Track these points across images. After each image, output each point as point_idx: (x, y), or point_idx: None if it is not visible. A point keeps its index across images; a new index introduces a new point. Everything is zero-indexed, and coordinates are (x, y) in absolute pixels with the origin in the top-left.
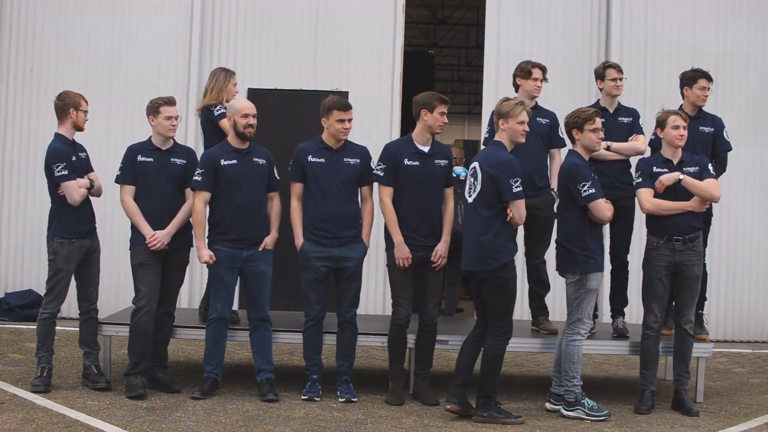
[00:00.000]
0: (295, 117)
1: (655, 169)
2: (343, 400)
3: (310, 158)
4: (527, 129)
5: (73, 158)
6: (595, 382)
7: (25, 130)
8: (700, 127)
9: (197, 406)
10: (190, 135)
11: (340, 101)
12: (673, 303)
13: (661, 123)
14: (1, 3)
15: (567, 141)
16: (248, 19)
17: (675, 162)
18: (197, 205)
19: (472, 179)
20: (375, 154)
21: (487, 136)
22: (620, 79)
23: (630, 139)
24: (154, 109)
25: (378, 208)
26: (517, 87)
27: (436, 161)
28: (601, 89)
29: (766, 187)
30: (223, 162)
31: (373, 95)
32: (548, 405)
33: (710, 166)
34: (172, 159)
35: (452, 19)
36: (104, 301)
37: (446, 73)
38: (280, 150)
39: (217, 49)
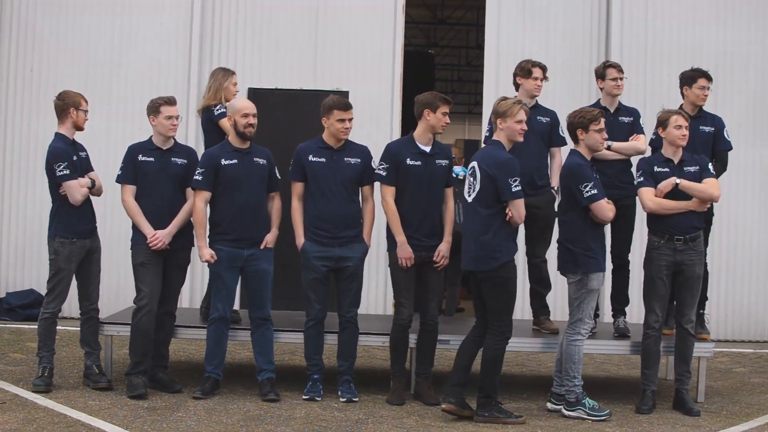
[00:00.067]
0: (295, 117)
1: (656, 168)
2: (344, 399)
3: (310, 158)
4: (525, 128)
5: (74, 158)
6: (596, 382)
7: (25, 130)
8: (701, 127)
9: (198, 406)
10: (191, 135)
11: (341, 101)
12: (674, 302)
13: (663, 122)
14: (1, 3)
15: (567, 140)
16: (248, 19)
17: (676, 161)
18: (198, 204)
19: (471, 179)
20: (375, 154)
21: (487, 135)
22: (621, 79)
23: (630, 138)
24: (154, 108)
25: (379, 208)
26: (517, 86)
27: (437, 161)
28: (601, 89)
29: (766, 187)
30: (223, 162)
31: (374, 95)
32: (549, 405)
33: (710, 166)
34: (172, 159)
35: (452, 19)
36: (105, 301)
37: (446, 73)
38: (280, 150)
39: (217, 49)
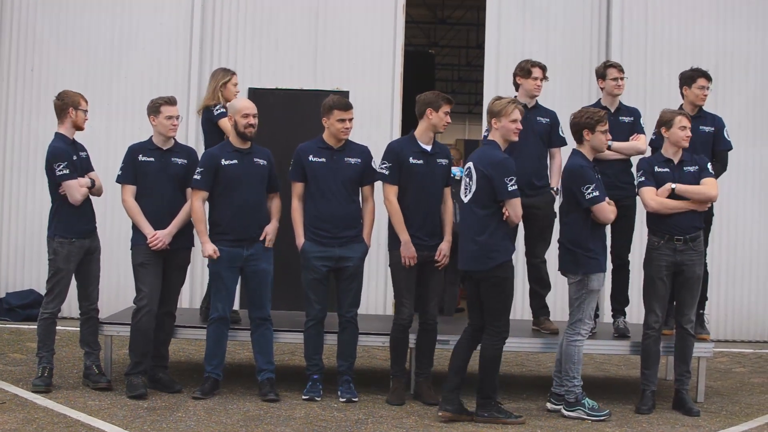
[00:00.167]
0: (295, 117)
1: (656, 168)
2: (344, 400)
3: (310, 158)
4: (520, 127)
5: (74, 157)
6: (596, 382)
7: (25, 130)
8: (700, 127)
9: (198, 406)
10: (191, 135)
11: (341, 101)
12: (674, 303)
13: (667, 123)
14: (1, 3)
15: (567, 140)
16: (248, 19)
17: (675, 161)
18: (195, 203)
19: (467, 179)
20: (375, 154)
21: (486, 134)
22: (621, 79)
23: (631, 138)
24: (154, 108)
25: (379, 208)
26: (517, 86)
27: (438, 160)
28: (602, 89)
29: (766, 187)
30: (223, 162)
31: (374, 95)
32: (549, 405)
33: (709, 166)
34: (173, 159)
35: (452, 19)
36: (105, 301)
37: (446, 72)
38: (280, 150)
39: (217, 49)
